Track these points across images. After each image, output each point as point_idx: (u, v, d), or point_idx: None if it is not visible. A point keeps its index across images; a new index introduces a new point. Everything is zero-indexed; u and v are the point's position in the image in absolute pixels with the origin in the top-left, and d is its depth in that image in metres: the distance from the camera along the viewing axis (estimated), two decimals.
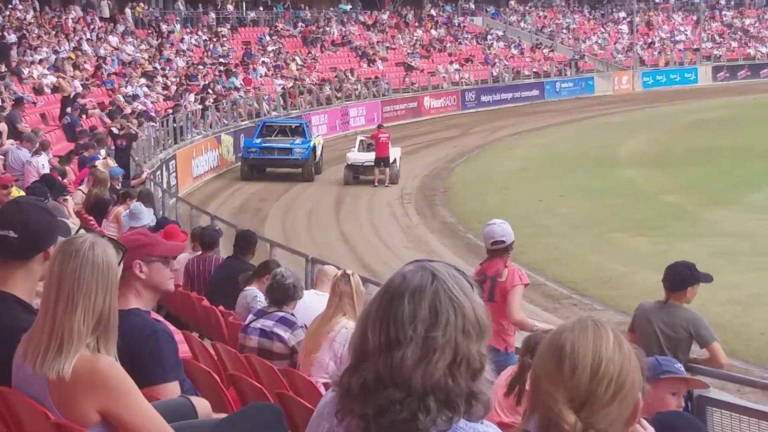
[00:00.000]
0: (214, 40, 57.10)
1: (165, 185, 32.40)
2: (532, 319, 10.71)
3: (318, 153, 41.04)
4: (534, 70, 71.66)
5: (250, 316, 9.30)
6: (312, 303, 9.44)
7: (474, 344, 2.85)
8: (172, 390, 5.21)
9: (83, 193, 20.37)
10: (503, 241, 10.39)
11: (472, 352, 2.84)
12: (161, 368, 5.24)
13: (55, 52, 40.66)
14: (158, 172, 31.93)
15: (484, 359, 2.87)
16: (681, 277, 9.98)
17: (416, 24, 73.11)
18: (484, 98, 65.70)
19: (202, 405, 4.99)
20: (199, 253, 14.04)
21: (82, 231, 4.74)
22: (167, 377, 5.25)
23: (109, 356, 4.21)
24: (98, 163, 22.75)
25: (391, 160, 39.04)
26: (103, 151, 24.93)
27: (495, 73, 68.44)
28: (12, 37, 39.13)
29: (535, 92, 69.28)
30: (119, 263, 4.41)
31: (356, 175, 39.02)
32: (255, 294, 10.92)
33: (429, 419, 2.81)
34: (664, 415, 6.08)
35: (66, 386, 4.11)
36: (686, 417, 6.76)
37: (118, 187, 20.80)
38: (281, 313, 9.06)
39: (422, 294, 2.85)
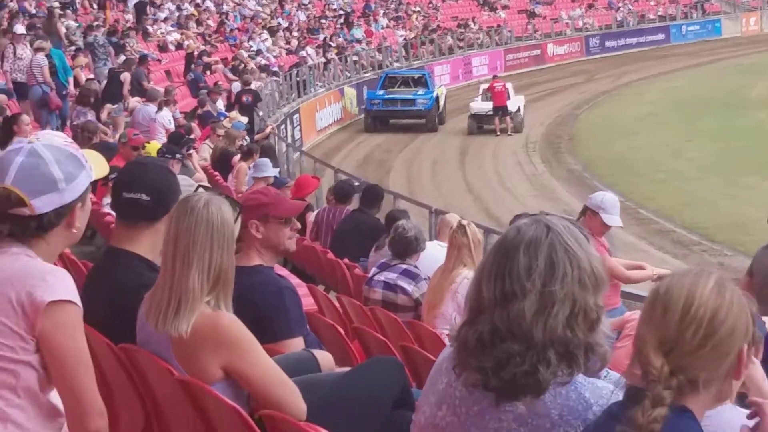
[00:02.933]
0: None
1: (289, 139, 32.60)
2: (637, 268, 10.23)
3: (441, 103, 40.94)
4: (659, 13, 70.38)
5: (374, 269, 9.30)
6: (436, 253, 9.38)
7: (591, 296, 2.85)
8: (296, 345, 5.22)
9: (209, 147, 20.61)
10: (586, 207, 9.94)
11: (589, 304, 2.84)
12: (285, 324, 5.25)
13: (178, 9, 41.05)
14: (282, 126, 32.14)
15: (601, 311, 2.87)
16: None
17: None
18: (608, 44, 64.72)
19: (325, 359, 4.98)
20: (332, 203, 14.15)
21: (200, 189, 4.70)
22: (291, 333, 5.26)
23: (229, 312, 4.21)
24: (225, 121, 22.99)
25: (515, 109, 38.79)
26: (234, 112, 25.12)
27: (619, 18, 67.38)
28: None
29: (661, 36, 68.03)
30: (235, 221, 4.41)
31: (480, 124, 38.86)
32: None
33: (550, 371, 2.81)
34: None
35: (188, 343, 4.13)
36: None
37: (242, 142, 20.98)
38: (404, 266, 9.04)
39: (538, 246, 2.85)
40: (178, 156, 13.16)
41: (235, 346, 4.16)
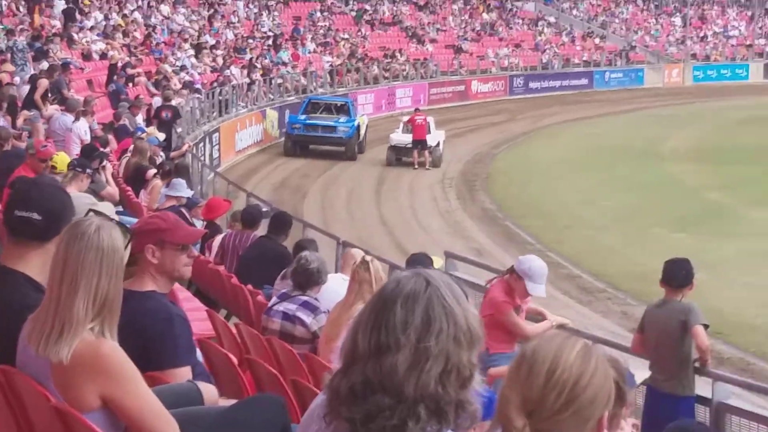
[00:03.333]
0: (265, 13, 57.08)
1: (207, 158, 32.49)
2: (536, 322, 10.34)
3: (362, 132, 41.02)
4: (584, 58, 71.24)
5: (274, 299, 9.30)
6: (338, 286, 9.40)
7: (465, 353, 2.85)
8: (182, 375, 5.20)
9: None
10: (513, 269, 9.97)
11: (463, 361, 2.84)
12: (174, 352, 5.23)
13: (106, 18, 40.77)
14: (201, 145, 32.00)
15: (474, 368, 2.87)
16: (680, 277, 9.98)
17: (467, 7, 72.80)
18: (532, 85, 65.37)
19: (209, 391, 4.97)
20: (239, 228, 14.11)
21: (91, 214, 4.68)
22: (179, 362, 5.23)
23: (112, 341, 4.18)
24: (142, 136, 22.81)
25: (434, 144, 38.95)
26: (152, 127, 24.94)
27: (545, 60, 68.11)
28: (62, 2, 39.29)
29: (584, 81, 68.87)
30: (126, 247, 4.40)
31: (399, 156, 38.96)
32: None
33: (419, 427, 2.80)
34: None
35: (67, 370, 4.10)
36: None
37: (157, 159, 20.85)
38: (305, 297, 9.05)
39: (415, 300, 2.84)
40: (88, 171, 13.03)
41: (114, 375, 4.13)
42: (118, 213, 8.07)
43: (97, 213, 5.00)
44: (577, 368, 2.76)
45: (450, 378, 2.83)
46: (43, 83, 23.62)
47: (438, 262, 10.32)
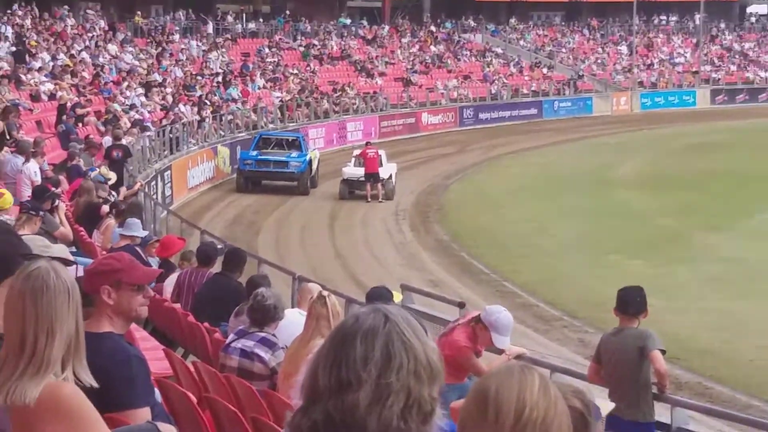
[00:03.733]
0: (213, 50, 57.07)
1: (160, 196, 32.34)
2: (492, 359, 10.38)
3: (314, 167, 41.03)
4: (533, 88, 71.67)
5: (231, 336, 9.26)
6: (295, 321, 9.38)
7: (426, 387, 2.82)
8: (141, 416, 5.14)
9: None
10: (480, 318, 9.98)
11: (423, 396, 2.82)
12: (132, 393, 5.17)
13: (54, 59, 40.63)
14: (153, 183, 31.87)
15: (435, 402, 2.84)
16: (635, 304, 10.06)
17: (415, 39, 73.14)
18: (482, 115, 65.67)
19: (169, 431, 4.91)
20: (195, 266, 14.06)
21: (31, 259, 4.61)
22: (138, 403, 5.18)
23: (71, 384, 4.13)
24: (93, 175, 22.70)
25: (387, 176, 38.99)
26: (101, 165, 24.81)
27: (493, 91, 68.45)
28: (5, 45, 39.24)
29: (534, 111, 69.28)
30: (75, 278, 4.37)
31: (351, 189, 38.95)
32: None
33: None
34: None
35: (29, 413, 4.04)
36: None
37: (110, 198, 20.74)
38: (262, 334, 9.01)
39: (375, 336, 2.82)
40: (40, 213, 12.94)
41: (76, 418, 4.08)
42: (72, 254, 7.99)
43: (30, 256, 4.91)
44: (542, 403, 2.75)
45: (412, 413, 2.80)
46: None
47: (398, 296, 10.30)
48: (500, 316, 9.84)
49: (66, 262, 4.66)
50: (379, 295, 10.52)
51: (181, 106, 43.02)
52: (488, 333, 9.74)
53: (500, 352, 10.26)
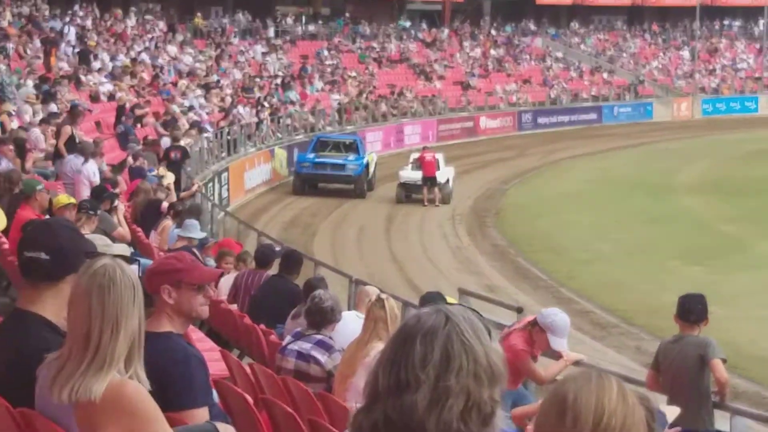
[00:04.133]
0: (272, 52, 57.30)
1: (216, 198, 32.48)
2: (551, 365, 10.31)
3: (371, 170, 41.03)
4: (592, 93, 71.36)
5: (288, 338, 9.25)
6: (353, 324, 9.37)
7: (486, 390, 2.80)
8: (200, 415, 5.15)
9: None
10: (536, 321, 9.94)
11: (483, 398, 2.80)
12: (191, 393, 5.18)
13: (113, 60, 40.94)
14: (210, 185, 32.01)
15: (496, 405, 2.83)
16: (696, 312, 9.95)
17: (475, 43, 73.05)
18: (540, 120, 65.47)
19: None
20: (253, 267, 14.11)
21: (101, 257, 4.61)
22: (196, 403, 5.18)
23: (135, 380, 4.15)
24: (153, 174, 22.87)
25: (444, 180, 38.92)
26: (159, 166, 24.97)
27: (553, 95, 68.22)
28: (69, 48, 39.62)
29: (593, 116, 68.95)
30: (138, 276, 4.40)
31: (408, 193, 38.93)
32: None
33: None
34: None
35: (92, 410, 4.07)
36: None
37: (160, 194, 20.86)
38: (319, 336, 8.99)
39: (434, 336, 2.80)
40: (92, 212, 13.05)
41: (139, 415, 4.10)
42: (132, 254, 8.04)
43: (93, 254, 4.93)
44: (621, 410, 2.73)
45: (471, 415, 2.78)
46: (66, 130, 23.61)
47: (453, 301, 10.24)
48: (557, 318, 9.82)
49: (128, 260, 4.68)
50: (431, 300, 10.48)
51: (240, 107, 43.19)
52: (545, 336, 9.70)
53: (558, 357, 10.18)
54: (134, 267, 4.59)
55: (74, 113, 25.19)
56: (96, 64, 38.98)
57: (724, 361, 9.95)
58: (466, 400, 2.77)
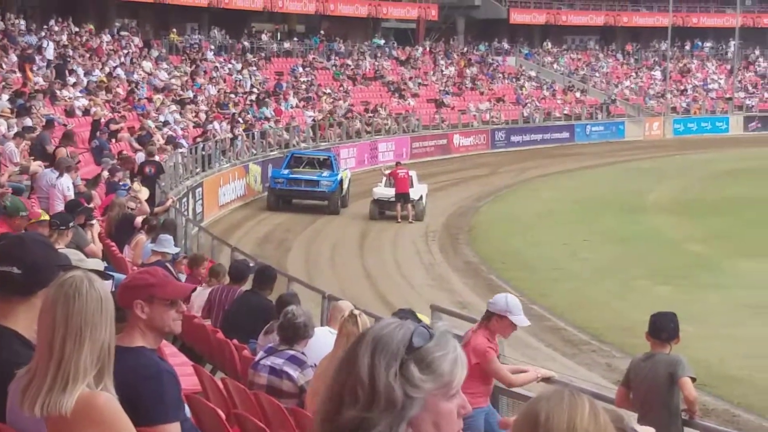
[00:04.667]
0: (248, 69, 57.34)
1: (191, 213, 32.46)
2: (521, 371, 10.42)
3: (345, 186, 41.08)
4: (565, 112, 71.68)
5: (261, 353, 9.29)
6: (326, 339, 9.40)
7: (363, 413, 2.72)
8: (172, 430, 5.18)
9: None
10: (491, 312, 10.04)
11: (373, 420, 2.72)
12: (163, 408, 5.20)
13: (87, 74, 40.91)
14: (184, 200, 31.99)
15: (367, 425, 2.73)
16: (668, 330, 10.04)
17: (449, 61, 73.26)
18: (514, 138, 65.72)
19: None
20: (227, 282, 14.13)
21: (73, 270, 4.65)
22: (167, 418, 5.20)
23: (106, 392, 4.18)
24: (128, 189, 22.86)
25: (417, 197, 39.00)
26: (136, 183, 24.96)
27: (526, 114, 68.48)
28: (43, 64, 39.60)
29: (566, 134, 69.25)
30: (111, 293, 4.41)
31: (382, 210, 38.98)
32: None
33: None
34: None
35: (65, 423, 4.09)
36: None
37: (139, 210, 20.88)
38: (291, 352, 9.04)
39: (351, 358, 2.76)
40: (63, 228, 13.06)
41: (109, 427, 4.13)
42: (106, 269, 8.08)
43: (68, 267, 4.95)
44: (592, 429, 2.76)
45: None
46: (62, 152, 23.60)
47: (425, 319, 10.29)
48: (508, 299, 9.97)
49: (102, 276, 4.70)
50: (403, 316, 10.53)
51: (215, 123, 43.20)
52: (506, 320, 9.78)
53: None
54: (108, 283, 4.60)
55: (66, 137, 25.27)
56: (71, 79, 38.93)
57: (694, 379, 10.04)
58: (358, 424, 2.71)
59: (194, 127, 42.38)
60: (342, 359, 2.76)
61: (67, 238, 13.08)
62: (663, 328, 10.10)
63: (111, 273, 9.16)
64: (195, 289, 9.63)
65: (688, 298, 25.34)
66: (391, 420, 2.71)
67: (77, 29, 48.06)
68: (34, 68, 37.90)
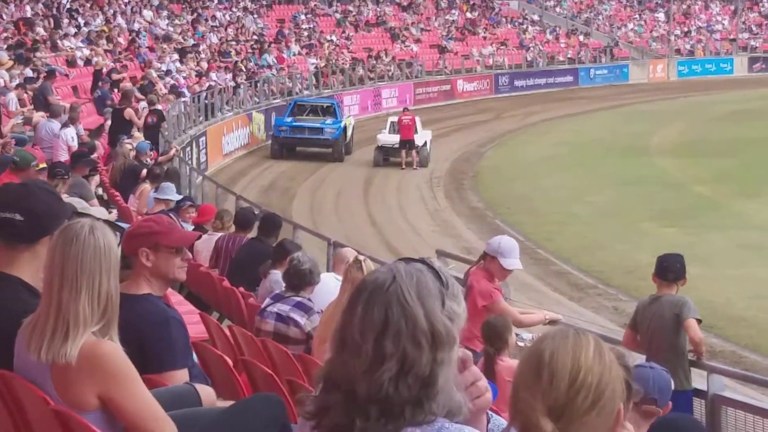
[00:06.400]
0: (249, 16, 57.05)
1: (195, 162, 32.43)
2: (529, 313, 10.45)
3: (348, 133, 40.99)
4: (569, 55, 71.34)
5: (267, 300, 9.28)
6: (331, 286, 9.39)
7: (426, 354, 2.71)
8: (179, 377, 5.19)
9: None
10: (486, 252, 10.01)
11: (422, 362, 2.71)
12: (170, 355, 5.22)
13: (87, 24, 40.72)
14: (188, 149, 31.94)
15: (439, 367, 2.73)
16: (675, 270, 10.01)
17: (451, 6, 72.87)
18: (517, 83, 65.43)
19: (206, 393, 4.96)
20: (233, 230, 14.12)
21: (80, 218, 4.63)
22: (175, 364, 5.23)
23: (112, 341, 4.18)
24: (126, 142, 22.75)
25: (421, 143, 38.92)
26: (138, 133, 24.90)
27: (529, 58, 68.17)
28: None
29: (569, 78, 68.96)
30: (118, 245, 4.40)
31: (386, 156, 38.92)
32: (277, 278, 10.85)
33: (368, 425, 2.70)
34: (670, 416, 6.05)
35: (69, 371, 4.11)
36: (691, 419, 6.71)
37: (146, 162, 20.83)
38: (298, 298, 9.03)
39: (375, 298, 2.73)
40: (66, 176, 13.06)
41: (113, 375, 4.13)
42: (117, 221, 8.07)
43: (82, 215, 4.95)
44: (597, 367, 2.76)
45: (407, 380, 2.70)
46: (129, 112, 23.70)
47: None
48: (503, 241, 9.95)
49: (113, 226, 4.68)
50: None
51: (212, 73, 42.98)
52: (497, 262, 9.76)
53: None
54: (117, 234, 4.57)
55: (125, 96, 25.33)
56: (71, 29, 38.74)
57: (699, 321, 10.04)
58: (401, 365, 2.69)
59: (196, 75, 42.18)
60: (379, 318, 2.70)
61: (66, 185, 13.08)
62: (670, 268, 10.09)
63: (120, 224, 9.15)
64: (200, 236, 9.64)
65: (693, 240, 25.31)
66: (452, 354, 2.77)
67: None
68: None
